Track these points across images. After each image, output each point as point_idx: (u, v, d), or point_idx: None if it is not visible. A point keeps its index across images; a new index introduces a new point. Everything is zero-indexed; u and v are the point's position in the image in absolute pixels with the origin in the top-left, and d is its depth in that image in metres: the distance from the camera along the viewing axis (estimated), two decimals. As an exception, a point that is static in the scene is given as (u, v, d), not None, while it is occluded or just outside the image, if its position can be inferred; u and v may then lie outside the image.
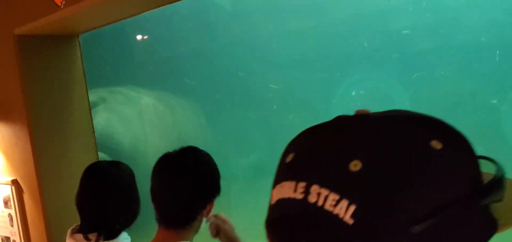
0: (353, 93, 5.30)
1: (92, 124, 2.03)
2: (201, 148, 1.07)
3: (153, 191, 1.03)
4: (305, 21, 5.28)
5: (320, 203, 0.32)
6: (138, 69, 5.66)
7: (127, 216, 1.28)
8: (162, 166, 1.02)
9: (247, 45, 5.64)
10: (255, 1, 5.43)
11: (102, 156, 2.93)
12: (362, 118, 0.36)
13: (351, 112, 0.38)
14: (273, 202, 0.36)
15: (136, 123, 4.73)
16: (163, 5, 1.81)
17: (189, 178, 0.99)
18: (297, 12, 5.31)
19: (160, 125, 4.97)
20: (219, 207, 1.12)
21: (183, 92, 5.40)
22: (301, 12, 5.30)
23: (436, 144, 0.33)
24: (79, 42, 2.03)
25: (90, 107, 2.04)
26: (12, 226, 1.91)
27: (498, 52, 4.80)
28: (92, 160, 1.98)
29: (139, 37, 5.65)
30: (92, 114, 2.08)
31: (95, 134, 2.05)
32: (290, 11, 5.33)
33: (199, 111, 5.26)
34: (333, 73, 5.37)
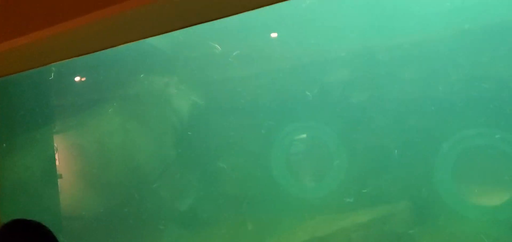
0: (292, 140, 5.36)
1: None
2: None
3: None
4: (246, 69, 5.33)
5: None
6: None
7: None
8: None
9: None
10: (196, 46, 5.45)
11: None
12: None
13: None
14: None
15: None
16: (78, 56, 1.75)
17: None
18: (239, 60, 5.36)
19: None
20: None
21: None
22: (242, 60, 5.35)
23: None
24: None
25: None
26: None
27: (431, 107, 5.05)
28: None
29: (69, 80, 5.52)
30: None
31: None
32: (232, 58, 5.37)
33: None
34: (273, 120, 5.41)
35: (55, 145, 5.60)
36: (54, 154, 5.59)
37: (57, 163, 5.57)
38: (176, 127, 5.52)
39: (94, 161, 6.09)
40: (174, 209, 5.63)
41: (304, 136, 5.40)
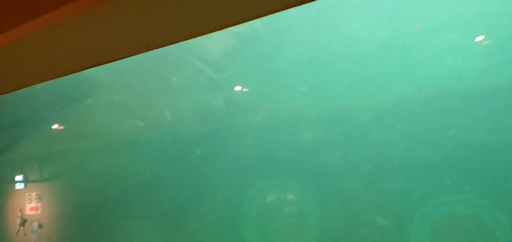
0: (264, 199, 5.19)
1: None
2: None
3: None
4: (215, 125, 5.26)
5: None
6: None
7: None
8: None
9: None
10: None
11: None
12: None
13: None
14: None
15: None
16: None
17: None
18: (207, 117, 5.31)
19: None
20: None
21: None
22: (211, 116, 5.30)
23: None
24: None
25: None
26: None
27: (406, 170, 4.90)
28: None
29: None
30: None
31: None
32: (198, 115, 5.32)
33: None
34: (244, 177, 5.27)
35: None
36: None
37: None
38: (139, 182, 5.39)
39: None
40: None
41: (276, 194, 5.22)
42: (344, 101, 5.14)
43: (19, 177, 7.38)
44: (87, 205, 6.19)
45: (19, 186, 7.44)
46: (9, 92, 1.85)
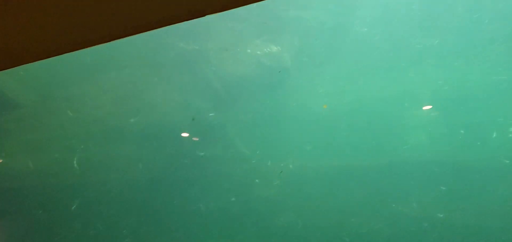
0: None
1: None
2: None
3: None
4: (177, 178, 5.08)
5: None
6: None
7: None
8: None
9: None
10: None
11: None
12: None
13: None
14: None
15: None
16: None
17: None
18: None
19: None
20: None
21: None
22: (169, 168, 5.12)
23: None
24: None
25: None
26: None
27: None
28: None
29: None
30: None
31: None
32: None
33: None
34: (189, 236, 5.03)
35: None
36: None
37: None
38: None
39: None
40: None
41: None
42: (300, 160, 4.99)
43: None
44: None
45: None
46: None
